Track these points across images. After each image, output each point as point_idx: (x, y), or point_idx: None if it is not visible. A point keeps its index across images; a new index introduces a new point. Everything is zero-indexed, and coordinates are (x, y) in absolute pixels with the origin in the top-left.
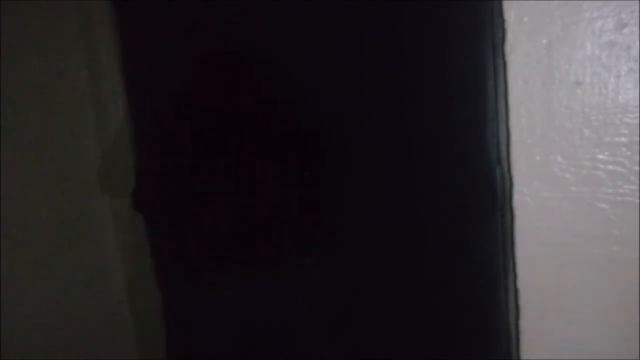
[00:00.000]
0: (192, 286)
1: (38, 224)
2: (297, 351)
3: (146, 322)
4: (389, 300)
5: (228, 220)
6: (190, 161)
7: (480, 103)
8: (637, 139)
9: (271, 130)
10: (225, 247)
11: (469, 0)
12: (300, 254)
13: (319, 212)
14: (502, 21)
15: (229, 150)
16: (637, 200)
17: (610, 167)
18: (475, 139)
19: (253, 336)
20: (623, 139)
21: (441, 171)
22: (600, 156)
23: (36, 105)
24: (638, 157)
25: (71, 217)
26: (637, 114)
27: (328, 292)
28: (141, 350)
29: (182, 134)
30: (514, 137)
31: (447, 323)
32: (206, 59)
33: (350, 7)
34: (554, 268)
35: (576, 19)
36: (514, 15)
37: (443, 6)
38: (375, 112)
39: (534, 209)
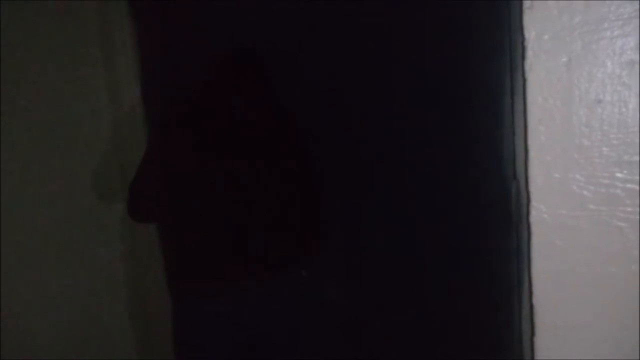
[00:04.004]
0: (196, 292)
1: (42, 225)
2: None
3: (150, 324)
4: (402, 318)
5: (224, 229)
6: (188, 169)
7: (496, 119)
8: None
9: (274, 142)
10: (224, 257)
11: (488, 17)
12: (309, 267)
13: (334, 227)
14: (522, 39)
15: (229, 158)
16: None
17: (629, 185)
18: (491, 154)
19: (256, 345)
20: None
21: (456, 184)
22: (619, 174)
23: (43, 104)
24: None
25: (78, 220)
26: None
27: (338, 311)
28: (144, 352)
29: (180, 142)
30: (533, 154)
31: (461, 339)
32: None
33: (372, 29)
34: (571, 286)
35: (597, 37)
36: (534, 33)
37: (461, 25)
38: (392, 128)
39: (552, 226)
